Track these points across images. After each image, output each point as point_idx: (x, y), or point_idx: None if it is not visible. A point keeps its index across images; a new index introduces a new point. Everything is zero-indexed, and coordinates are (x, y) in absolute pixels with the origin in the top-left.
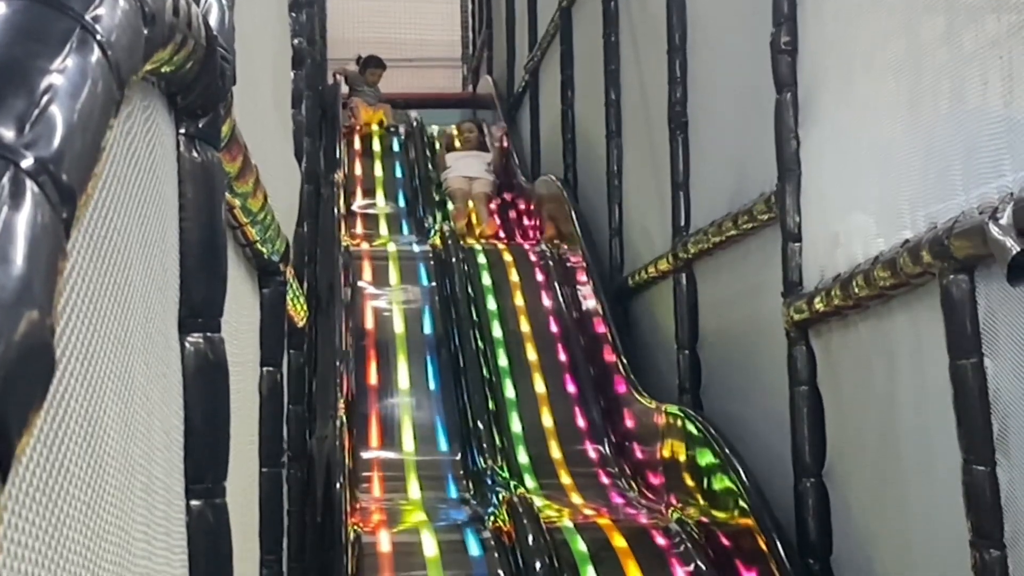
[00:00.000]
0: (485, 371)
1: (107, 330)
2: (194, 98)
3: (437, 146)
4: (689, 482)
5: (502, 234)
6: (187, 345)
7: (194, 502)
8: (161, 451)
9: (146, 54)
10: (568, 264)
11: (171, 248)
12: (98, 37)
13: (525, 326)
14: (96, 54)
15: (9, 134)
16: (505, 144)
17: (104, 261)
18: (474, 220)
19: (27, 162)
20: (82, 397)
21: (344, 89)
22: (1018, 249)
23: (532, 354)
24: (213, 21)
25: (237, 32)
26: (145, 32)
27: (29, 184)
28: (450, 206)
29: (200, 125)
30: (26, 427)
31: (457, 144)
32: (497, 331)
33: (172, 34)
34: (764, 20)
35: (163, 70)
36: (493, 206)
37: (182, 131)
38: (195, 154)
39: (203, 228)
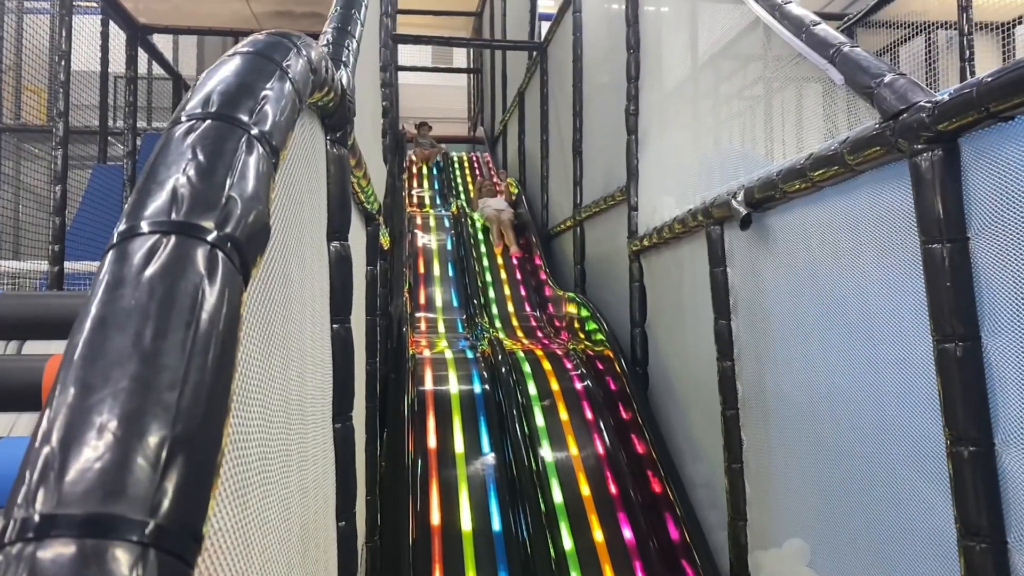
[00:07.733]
0: (479, 281)
1: (291, 253)
2: (334, 120)
3: (471, 189)
4: (579, 332)
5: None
6: (331, 249)
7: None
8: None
9: (312, 90)
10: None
11: (322, 199)
12: (289, 75)
13: (500, 260)
14: (288, 87)
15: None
16: (513, 191)
17: (292, 203)
18: (507, 240)
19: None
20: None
21: (412, 130)
22: (744, 211)
23: (503, 273)
24: (344, 81)
25: (357, 90)
26: (312, 77)
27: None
28: (478, 220)
29: (337, 135)
30: (254, 265)
31: (483, 190)
32: (486, 262)
33: (324, 82)
34: (621, 96)
35: (319, 103)
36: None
37: (328, 138)
38: (335, 151)
39: (339, 188)
